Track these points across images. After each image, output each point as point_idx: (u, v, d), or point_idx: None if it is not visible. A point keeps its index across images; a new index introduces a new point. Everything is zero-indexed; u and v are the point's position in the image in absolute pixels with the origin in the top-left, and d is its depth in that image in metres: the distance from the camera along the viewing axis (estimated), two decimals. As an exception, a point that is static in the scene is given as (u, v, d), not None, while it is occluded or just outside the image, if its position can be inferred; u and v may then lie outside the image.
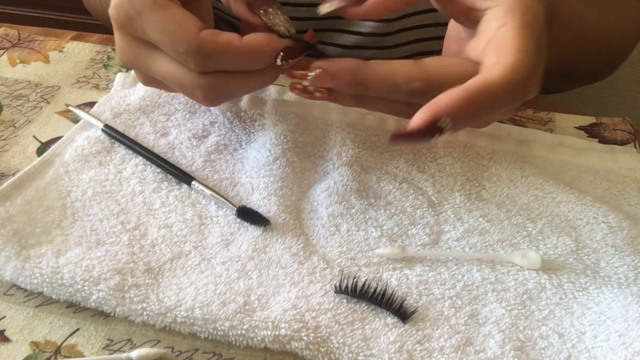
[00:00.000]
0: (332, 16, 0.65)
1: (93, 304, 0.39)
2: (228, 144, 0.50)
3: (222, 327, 0.38)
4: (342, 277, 0.41)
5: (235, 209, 0.45)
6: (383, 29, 0.66)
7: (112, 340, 0.39)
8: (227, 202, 0.45)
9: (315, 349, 0.37)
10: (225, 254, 0.42)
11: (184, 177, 0.47)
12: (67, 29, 0.63)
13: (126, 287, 0.39)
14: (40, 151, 0.50)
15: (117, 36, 0.43)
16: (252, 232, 0.44)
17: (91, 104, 0.53)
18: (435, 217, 0.46)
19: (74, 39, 0.62)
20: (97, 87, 0.57)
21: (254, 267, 0.42)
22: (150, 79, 0.45)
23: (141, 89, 0.54)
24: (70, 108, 0.53)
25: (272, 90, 0.55)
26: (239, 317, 0.38)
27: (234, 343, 0.38)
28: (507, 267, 0.43)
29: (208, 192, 0.46)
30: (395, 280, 0.42)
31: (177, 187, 0.47)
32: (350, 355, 0.37)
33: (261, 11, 0.40)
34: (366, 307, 0.40)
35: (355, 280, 0.40)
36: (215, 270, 0.41)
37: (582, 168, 0.51)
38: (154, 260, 0.41)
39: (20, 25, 0.63)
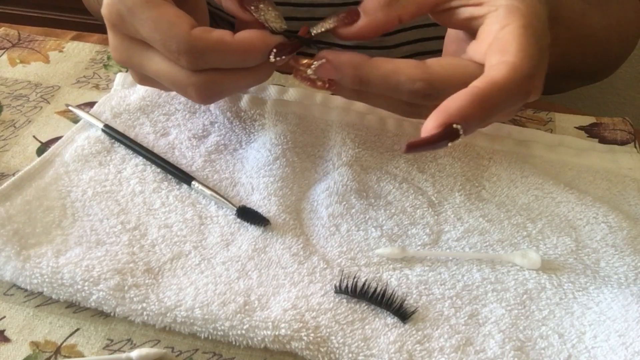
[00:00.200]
0: (332, 16, 0.65)
1: (93, 304, 0.39)
2: (228, 144, 0.50)
3: (222, 327, 0.38)
4: (342, 277, 0.41)
5: (235, 209, 0.45)
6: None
7: (112, 340, 0.39)
8: (227, 202, 0.45)
9: (315, 349, 0.37)
10: (225, 254, 0.42)
11: (184, 177, 0.47)
12: (67, 29, 0.63)
13: (126, 287, 0.39)
14: (40, 151, 0.50)
15: (110, 35, 0.43)
16: (252, 232, 0.44)
17: (91, 104, 0.53)
18: (435, 217, 0.46)
19: (74, 39, 0.62)
20: (97, 87, 0.57)
21: (254, 267, 0.42)
22: (144, 78, 0.45)
23: (141, 89, 0.54)
24: (70, 108, 0.53)
25: (272, 90, 0.55)
26: (239, 317, 0.38)
27: (234, 343, 0.38)
28: (507, 267, 0.43)
29: (208, 192, 0.46)
30: (395, 280, 0.42)
31: (177, 187, 0.47)
32: (350, 355, 0.37)
33: (252, 7, 0.40)
34: (366, 307, 0.40)
35: (355, 280, 0.40)
36: (215, 270, 0.41)
37: (582, 168, 0.51)
38: (154, 260, 0.41)
39: (20, 25, 0.63)
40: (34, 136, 0.51)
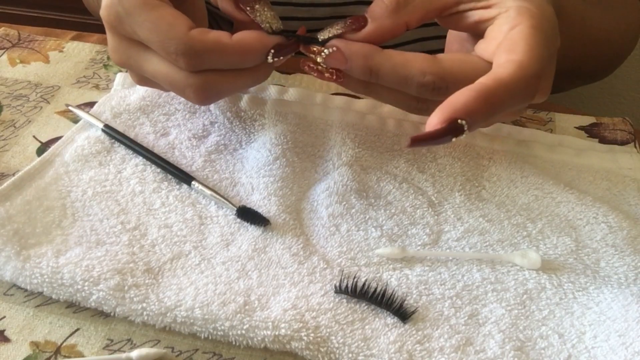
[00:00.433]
0: (332, 16, 0.65)
1: (93, 304, 0.39)
2: (228, 144, 0.50)
3: (222, 327, 0.38)
4: (342, 277, 0.41)
5: (235, 209, 0.45)
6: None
7: (112, 340, 0.39)
8: (227, 202, 0.45)
9: (315, 349, 0.37)
10: (225, 254, 0.42)
11: (184, 177, 0.47)
12: (67, 29, 0.63)
13: (126, 287, 0.39)
14: (40, 151, 0.50)
15: (109, 37, 0.43)
16: (252, 232, 0.44)
17: (91, 104, 0.53)
18: (435, 217, 0.46)
19: (74, 39, 0.62)
20: (97, 87, 0.57)
21: (254, 267, 0.42)
22: (143, 79, 0.45)
23: (141, 89, 0.54)
24: (70, 108, 0.53)
25: (272, 90, 0.55)
26: (239, 317, 0.38)
27: (234, 343, 0.38)
28: (507, 267, 0.43)
29: (208, 192, 0.46)
30: (395, 280, 0.42)
31: (177, 187, 0.47)
32: (350, 355, 0.37)
33: (248, 8, 0.40)
34: (366, 307, 0.40)
35: (355, 280, 0.40)
36: (215, 270, 0.41)
37: (582, 168, 0.51)
38: (154, 260, 0.41)
39: (20, 25, 0.63)
40: (34, 136, 0.51)
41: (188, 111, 0.53)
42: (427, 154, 0.51)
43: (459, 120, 0.33)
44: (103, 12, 0.41)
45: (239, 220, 0.45)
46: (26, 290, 0.40)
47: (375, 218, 0.45)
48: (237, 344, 0.38)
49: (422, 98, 0.39)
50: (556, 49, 0.38)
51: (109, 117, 0.51)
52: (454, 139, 0.33)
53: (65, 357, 0.38)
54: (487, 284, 0.42)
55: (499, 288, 0.42)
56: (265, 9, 0.40)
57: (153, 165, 0.48)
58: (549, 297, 0.41)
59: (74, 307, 0.40)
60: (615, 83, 1.14)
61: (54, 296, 0.40)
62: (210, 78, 0.41)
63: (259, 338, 0.38)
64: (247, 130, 0.52)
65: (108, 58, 0.60)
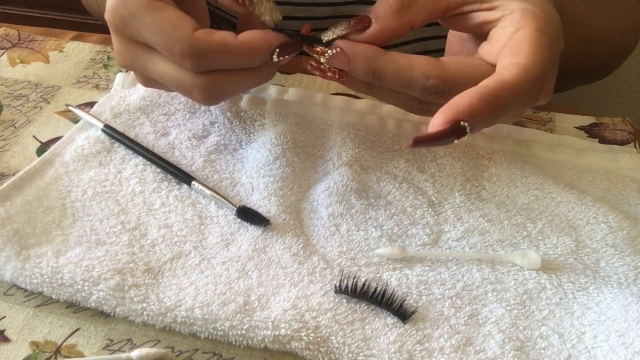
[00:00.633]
0: (332, 16, 0.65)
1: (93, 304, 0.39)
2: (228, 144, 0.50)
3: (222, 327, 0.38)
4: (342, 277, 0.41)
5: (235, 209, 0.45)
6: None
7: (112, 340, 0.39)
8: (227, 202, 0.45)
9: (315, 349, 0.37)
10: (225, 254, 0.42)
11: (184, 177, 0.47)
12: (67, 29, 0.63)
13: (126, 287, 0.39)
14: (40, 151, 0.50)
15: (114, 40, 0.43)
16: (252, 232, 0.44)
17: (91, 104, 0.53)
18: (435, 217, 0.46)
19: (74, 39, 0.62)
20: (97, 87, 0.57)
21: (254, 267, 0.42)
22: (149, 80, 0.45)
23: (141, 89, 0.54)
24: (70, 108, 0.53)
25: (272, 90, 0.55)
26: (239, 317, 0.38)
27: (234, 343, 0.38)
28: (507, 267, 0.43)
29: (208, 192, 0.46)
30: (395, 280, 0.42)
31: (177, 187, 0.47)
32: (350, 355, 0.37)
33: (247, 1, 0.40)
34: (366, 307, 0.40)
35: (355, 280, 0.40)
36: (215, 270, 0.41)
37: (582, 168, 0.51)
38: (154, 260, 0.41)
39: (20, 25, 0.63)
40: (34, 136, 0.51)
41: (188, 111, 0.53)
42: (427, 154, 0.51)
43: (462, 122, 0.33)
44: (107, 16, 0.41)
45: (239, 220, 0.45)
46: (26, 290, 0.40)
47: (375, 218, 0.45)
48: (237, 344, 0.38)
49: (424, 100, 0.39)
50: (560, 51, 0.38)
51: (109, 117, 0.51)
52: (456, 141, 0.33)
53: (65, 357, 0.38)
54: (487, 284, 0.42)
55: (499, 288, 0.42)
56: (264, 1, 0.40)
57: (153, 165, 0.48)
58: (549, 297, 0.41)
59: (74, 307, 0.40)
60: (615, 83, 1.14)
61: (54, 296, 0.40)
62: (216, 78, 0.41)
63: (259, 338, 0.38)
64: (247, 130, 0.52)
65: (108, 58, 0.60)
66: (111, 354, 0.38)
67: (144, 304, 0.39)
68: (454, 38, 0.44)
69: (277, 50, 0.40)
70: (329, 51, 0.39)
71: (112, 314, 0.39)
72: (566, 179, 0.50)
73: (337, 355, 0.37)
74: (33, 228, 0.42)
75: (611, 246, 0.44)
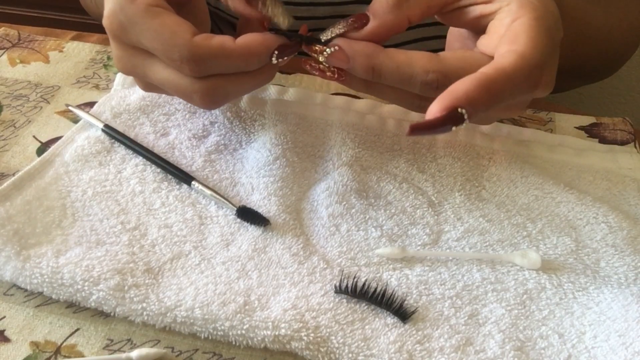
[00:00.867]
0: (332, 15, 0.65)
1: (93, 304, 0.39)
2: (228, 144, 0.50)
3: (222, 327, 0.38)
4: (342, 277, 0.41)
5: (235, 209, 0.45)
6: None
7: (112, 340, 0.39)
8: (227, 202, 0.45)
9: (315, 349, 0.37)
10: (225, 254, 0.42)
11: (184, 177, 0.47)
12: (67, 29, 0.63)
13: (126, 287, 0.39)
14: (40, 151, 0.50)
15: (113, 46, 0.43)
16: (252, 232, 0.44)
17: (91, 104, 0.53)
18: (435, 217, 0.46)
19: (74, 39, 0.62)
20: (97, 87, 0.57)
21: (254, 267, 0.42)
22: (149, 86, 0.45)
23: (141, 89, 0.54)
24: (70, 108, 0.53)
25: (272, 90, 0.55)
26: (239, 317, 0.38)
27: (234, 343, 0.38)
28: (507, 267, 0.43)
29: (208, 192, 0.46)
30: (395, 280, 0.42)
31: (177, 187, 0.47)
32: (350, 355, 0.37)
33: (259, 3, 0.40)
34: (366, 307, 0.40)
35: (355, 280, 0.40)
36: (215, 270, 0.41)
37: (582, 168, 0.51)
38: (154, 260, 0.41)
39: (20, 25, 0.63)
40: (34, 136, 0.51)
41: (188, 111, 0.53)
42: (427, 154, 0.51)
43: (459, 109, 0.33)
44: (105, 22, 0.41)
45: (239, 220, 0.45)
46: (26, 290, 0.40)
47: (375, 218, 0.45)
48: (237, 344, 0.38)
49: (424, 96, 0.39)
50: (559, 40, 0.38)
51: (109, 117, 0.51)
52: (453, 128, 0.33)
53: (65, 357, 0.38)
54: (487, 284, 0.42)
55: (499, 288, 0.42)
56: (276, 4, 0.40)
57: (153, 165, 0.48)
58: (549, 297, 0.41)
59: (74, 307, 0.40)
60: (615, 83, 1.14)
61: (54, 296, 0.40)
62: (216, 83, 0.41)
63: (259, 338, 0.38)
64: (247, 130, 0.52)
65: (108, 58, 0.60)
66: (111, 354, 0.38)
67: (144, 304, 0.39)
68: (454, 36, 0.44)
69: (276, 52, 0.40)
70: (328, 50, 0.39)
71: (112, 314, 0.39)
72: (566, 179, 0.50)
73: (337, 355, 0.37)
74: (33, 228, 0.42)
75: (611, 246, 0.44)
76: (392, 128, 0.53)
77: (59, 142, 0.49)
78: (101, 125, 0.50)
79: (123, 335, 0.39)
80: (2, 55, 0.59)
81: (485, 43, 0.39)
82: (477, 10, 0.39)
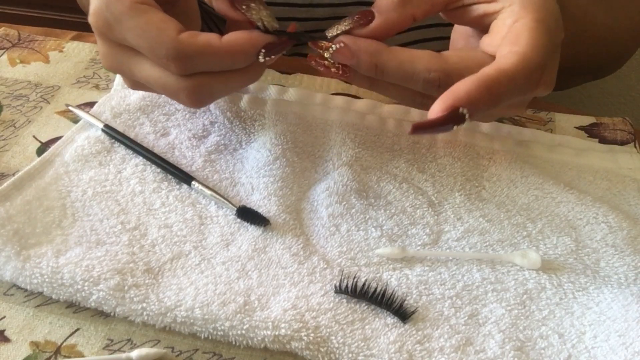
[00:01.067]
0: (331, 17, 0.65)
1: (93, 304, 0.39)
2: (228, 144, 0.50)
3: (222, 327, 0.38)
4: (342, 277, 0.41)
5: (235, 209, 0.45)
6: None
7: (112, 340, 0.39)
8: (227, 202, 0.45)
9: (315, 349, 0.37)
10: (225, 254, 0.42)
11: (184, 177, 0.47)
12: (67, 29, 0.63)
13: (126, 287, 0.39)
14: (40, 151, 0.50)
15: (99, 43, 0.43)
16: (252, 232, 0.44)
17: (91, 104, 0.53)
18: (435, 217, 0.46)
19: (74, 39, 0.62)
20: (97, 87, 0.57)
21: (254, 267, 0.42)
22: (136, 84, 0.44)
23: (141, 89, 0.54)
24: (70, 108, 0.53)
25: (272, 90, 0.55)
26: (239, 317, 0.38)
27: (234, 343, 0.38)
28: (507, 267, 0.43)
29: (208, 192, 0.46)
30: (395, 280, 0.42)
31: (177, 187, 0.47)
32: (350, 355, 0.37)
33: (243, 7, 0.40)
34: (366, 307, 0.40)
35: (355, 280, 0.40)
36: (215, 270, 0.41)
37: (582, 168, 0.51)
38: (154, 260, 0.41)
39: (20, 25, 0.63)
40: (34, 136, 0.51)
41: (188, 111, 0.53)
42: (427, 154, 0.51)
43: (461, 109, 0.33)
44: (91, 19, 0.41)
45: (239, 220, 0.45)
46: (26, 290, 0.40)
47: (375, 218, 0.45)
48: (237, 344, 0.38)
49: (426, 94, 0.39)
50: (560, 41, 0.39)
51: (109, 117, 0.51)
52: (455, 127, 0.34)
53: (65, 357, 0.38)
54: (487, 284, 0.42)
55: (499, 288, 0.42)
56: (261, 8, 0.40)
57: (153, 165, 0.48)
58: (549, 297, 0.41)
59: (74, 307, 0.40)
60: (615, 83, 1.14)
61: (54, 296, 0.40)
62: (202, 81, 0.41)
63: (259, 338, 0.38)
64: (247, 130, 0.52)
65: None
66: (111, 354, 0.38)
67: (144, 304, 0.39)
68: (458, 35, 0.44)
69: (263, 50, 0.40)
70: (333, 46, 0.39)
71: (112, 314, 0.39)
72: (566, 179, 0.50)
73: (337, 355, 0.37)
74: (33, 228, 0.42)
75: (611, 246, 0.44)
76: (392, 128, 0.53)
77: (59, 142, 0.49)
78: (101, 125, 0.50)
79: (123, 335, 0.39)
80: (2, 55, 0.59)
81: (487, 42, 0.39)
82: (481, 9, 0.40)
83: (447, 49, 0.46)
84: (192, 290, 0.40)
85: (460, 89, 0.34)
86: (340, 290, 0.40)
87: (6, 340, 0.38)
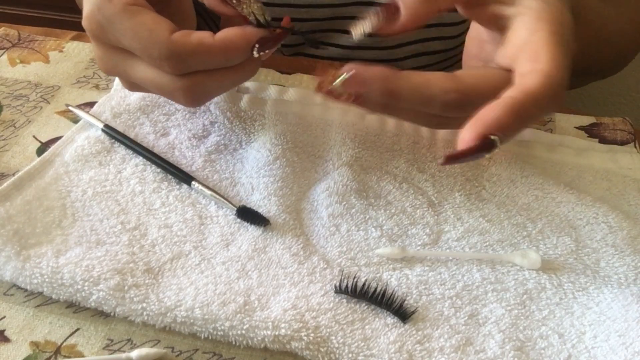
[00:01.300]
0: (332, 17, 0.65)
1: (93, 304, 0.39)
2: (228, 144, 0.50)
3: (222, 327, 0.38)
4: (342, 277, 0.41)
5: (235, 209, 0.45)
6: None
7: (112, 340, 0.39)
8: (227, 202, 0.45)
9: (315, 349, 0.37)
10: (225, 254, 0.42)
11: (184, 177, 0.47)
12: (67, 29, 0.63)
13: (126, 287, 0.39)
14: (40, 151, 0.50)
15: (94, 46, 0.43)
16: (252, 232, 0.44)
17: (91, 104, 0.53)
18: (435, 217, 0.46)
19: (74, 39, 0.62)
20: (97, 87, 0.57)
21: (254, 267, 0.42)
22: (133, 85, 0.45)
23: (141, 89, 0.54)
24: (70, 108, 0.53)
25: (272, 90, 0.55)
26: (239, 317, 0.38)
27: (234, 343, 0.38)
28: (507, 267, 0.43)
29: (208, 192, 0.46)
30: (395, 280, 0.42)
31: (177, 187, 0.47)
32: (350, 355, 0.37)
33: (234, 1, 0.40)
34: (366, 307, 0.40)
35: (355, 280, 0.40)
36: (215, 270, 0.41)
37: (582, 168, 0.51)
38: (154, 260, 0.41)
39: (20, 25, 0.63)
40: (34, 136, 0.51)
41: (188, 111, 0.53)
42: (427, 154, 0.51)
43: (492, 136, 0.33)
44: (85, 23, 0.41)
45: (239, 220, 0.45)
46: (26, 290, 0.40)
47: (375, 218, 0.45)
48: (237, 344, 0.38)
49: (443, 115, 0.39)
50: (572, 54, 0.38)
51: (109, 117, 0.51)
52: (487, 155, 0.33)
53: (65, 357, 0.38)
54: (487, 284, 0.42)
55: (499, 288, 0.42)
56: (251, 1, 0.40)
57: (153, 165, 0.48)
58: (549, 297, 0.41)
59: (74, 307, 0.40)
60: (615, 83, 1.14)
61: (54, 296, 0.40)
62: (197, 79, 0.41)
63: (259, 338, 0.38)
64: (247, 130, 0.52)
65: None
66: (111, 354, 0.38)
67: (144, 304, 0.39)
68: (472, 41, 0.44)
69: (257, 45, 0.40)
70: (342, 76, 0.38)
71: (112, 314, 0.39)
72: (566, 179, 0.50)
73: (337, 355, 0.37)
74: (33, 228, 0.42)
75: (611, 246, 0.44)
76: (392, 128, 0.53)
77: (59, 142, 0.49)
78: (101, 125, 0.50)
79: (123, 335, 0.39)
80: (2, 55, 0.59)
81: (501, 54, 0.38)
82: (499, 9, 0.39)
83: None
84: (192, 290, 0.40)
85: (488, 115, 0.33)
86: (340, 290, 0.40)
87: (6, 340, 0.38)
